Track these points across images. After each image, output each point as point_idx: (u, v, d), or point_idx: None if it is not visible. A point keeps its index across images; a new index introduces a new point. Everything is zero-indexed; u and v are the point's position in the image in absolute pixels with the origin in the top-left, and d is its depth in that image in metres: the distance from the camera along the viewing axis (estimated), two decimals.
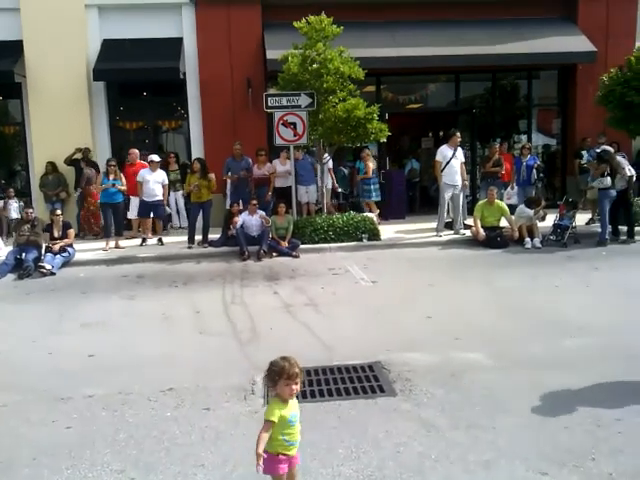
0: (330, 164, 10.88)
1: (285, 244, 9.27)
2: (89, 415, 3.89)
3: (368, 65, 10.09)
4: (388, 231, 10.41)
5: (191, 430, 3.62)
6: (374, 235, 9.80)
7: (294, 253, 9.12)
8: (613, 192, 9.17)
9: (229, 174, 10.76)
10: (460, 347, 4.86)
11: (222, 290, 7.20)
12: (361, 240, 9.66)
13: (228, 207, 10.33)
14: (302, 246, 9.33)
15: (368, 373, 4.39)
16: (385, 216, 11.82)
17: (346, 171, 12.54)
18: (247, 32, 11.73)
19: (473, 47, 11.60)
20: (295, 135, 9.97)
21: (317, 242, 9.55)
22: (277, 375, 2.67)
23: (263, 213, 9.61)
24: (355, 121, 9.55)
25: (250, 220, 9.46)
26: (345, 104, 9.64)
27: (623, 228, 9.47)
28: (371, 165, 11.32)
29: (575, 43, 11.99)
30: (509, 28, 12.01)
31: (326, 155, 10.55)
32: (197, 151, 11.84)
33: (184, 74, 11.71)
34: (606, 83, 10.37)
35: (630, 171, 9.45)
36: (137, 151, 10.96)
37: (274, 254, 9.19)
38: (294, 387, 2.67)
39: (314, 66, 9.61)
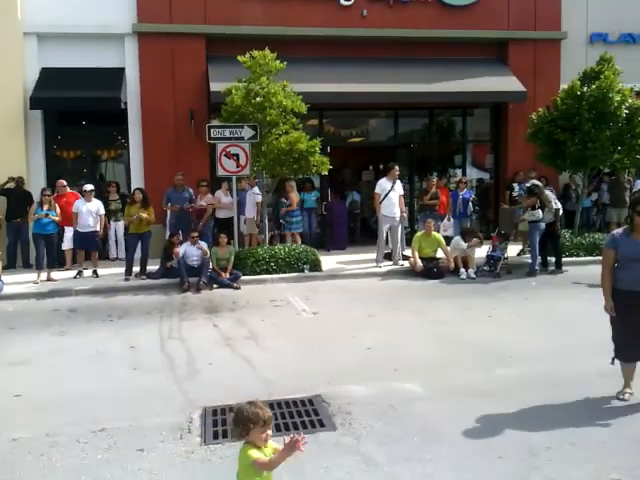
0: (258, 197, 10.88)
1: (226, 275, 9.18)
2: (13, 461, 3.67)
3: (311, 100, 10.29)
4: (329, 262, 10.51)
5: (124, 473, 3.49)
6: (316, 266, 9.87)
7: (235, 284, 9.04)
8: (542, 225, 9.66)
9: (169, 205, 10.63)
10: (398, 378, 4.94)
11: (159, 324, 7.03)
12: (303, 271, 9.70)
13: (168, 238, 10.17)
14: (243, 277, 9.27)
15: (308, 407, 4.38)
16: (327, 247, 11.95)
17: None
18: (191, 64, 11.76)
19: (411, 85, 12.06)
20: (238, 166, 10.00)
21: (259, 273, 9.52)
22: (252, 423, 2.51)
23: (204, 244, 9.50)
24: (298, 154, 9.71)
25: (191, 251, 9.33)
26: (288, 137, 9.80)
27: (552, 259, 9.97)
28: (295, 197, 11.39)
29: (506, 83, 12.69)
30: (445, 67, 12.59)
31: (255, 188, 10.73)
32: (137, 181, 11.65)
33: (125, 104, 11.56)
34: (535, 121, 11.00)
35: (557, 204, 10.01)
36: (64, 181, 10.69)
37: (215, 286, 9.07)
38: (269, 432, 2.56)
39: (257, 99, 9.72)
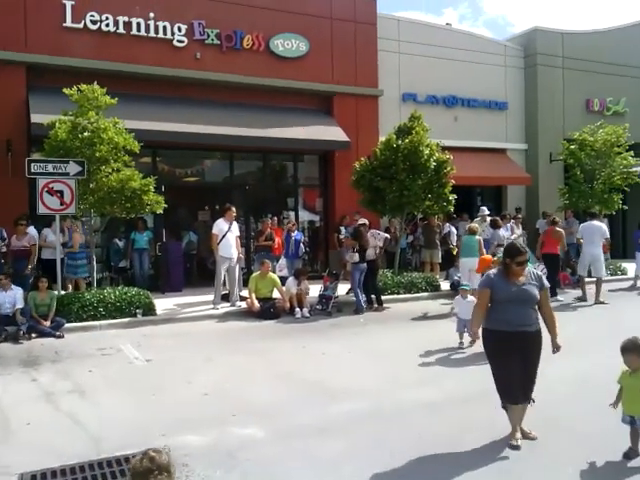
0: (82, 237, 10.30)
1: (47, 323, 8.41)
2: None
3: (145, 137, 10.10)
4: (165, 305, 10.19)
5: None
6: (149, 310, 9.49)
7: (58, 333, 8.31)
8: (362, 265, 10.37)
9: None
10: (236, 423, 4.94)
11: None
12: (135, 316, 9.26)
13: None
14: (68, 325, 8.57)
15: None
16: (162, 289, 11.57)
17: (120, 244, 12.06)
18: (8, 92, 10.87)
19: (245, 129, 12.44)
20: (62, 204, 9.34)
21: (86, 320, 8.87)
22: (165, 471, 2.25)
23: (20, 291, 8.59)
24: (130, 192, 9.38)
25: (4, 297, 8.40)
26: (119, 174, 9.44)
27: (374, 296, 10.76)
28: (78, 237, 10.61)
29: (332, 133, 13.68)
30: (277, 114, 13.21)
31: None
32: None
33: None
34: (358, 170, 11.96)
35: (377, 247, 10.84)
36: None
37: (34, 335, 8.25)
38: None
39: (85, 134, 9.26)
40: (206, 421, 5.00)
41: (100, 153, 9.28)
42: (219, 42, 12.87)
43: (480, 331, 4.51)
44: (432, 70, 15.55)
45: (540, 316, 4.48)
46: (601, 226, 11.55)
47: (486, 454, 4.24)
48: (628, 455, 4.08)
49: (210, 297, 10.39)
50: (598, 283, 11.08)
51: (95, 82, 9.51)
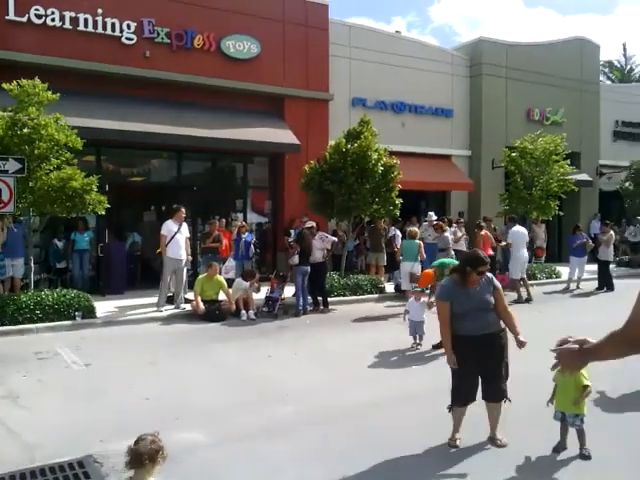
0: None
1: None
2: None
3: (88, 135, 9.82)
4: (106, 307, 9.92)
5: None
6: (90, 312, 9.22)
7: None
8: (304, 268, 10.39)
9: None
10: (179, 427, 4.87)
11: None
12: (74, 318, 8.98)
13: None
14: (2, 328, 8.26)
15: (78, 470, 4.06)
16: (102, 291, 11.26)
17: (60, 244, 11.67)
18: None
19: (194, 129, 12.28)
20: (0, 202, 8.95)
21: (21, 323, 8.54)
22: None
23: None
24: (71, 191, 9.10)
25: None
26: (60, 173, 9.16)
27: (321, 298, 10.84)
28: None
29: (282, 135, 13.69)
30: (227, 115, 13.11)
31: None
32: None
33: None
34: (307, 173, 12.03)
35: (324, 251, 10.92)
36: None
37: None
38: None
39: (25, 130, 8.93)
40: (147, 426, 4.83)
41: (39, 150, 8.96)
42: (169, 41, 12.67)
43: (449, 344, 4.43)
44: (381, 76, 15.81)
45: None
46: (525, 231, 12.39)
47: (431, 452, 4.36)
48: (557, 449, 4.29)
49: (154, 299, 10.20)
50: (525, 282, 11.88)
51: (37, 77, 9.18)
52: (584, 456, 4.18)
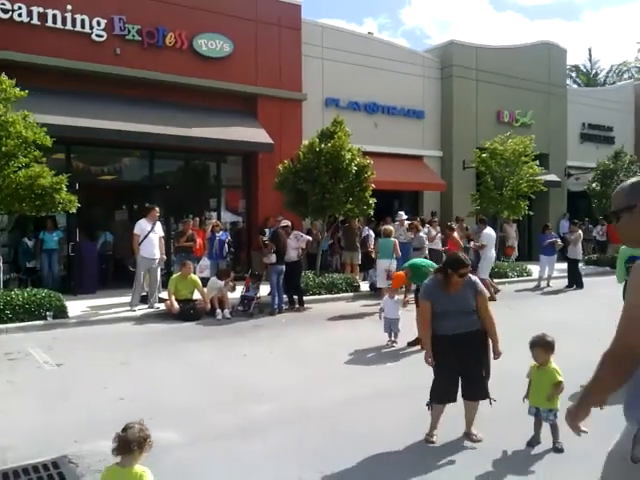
0: None
1: None
2: None
3: (58, 133, 9.67)
4: (78, 307, 9.77)
5: None
6: (61, 312, 9.07)
7: None
8: (280, 267, 10.40)
9: None
10: (153, 427, 4.73)
11: None
12: (46, 318, 8.82)
13: None
14: None
15: (52, 471, 4.00)
16: (74, 291, 11.08)
17: (30, 243, 11.44)
18: None
19: (166, 127, 12.17)
20: None
21: None
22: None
23: None
24: (40, 189, 8.94)
25: None
26: (28, 171, 8.97)
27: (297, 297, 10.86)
28: None
29: (256, 135, 13.66)
30: (200, 114, 13.02)
31: None
32: None
33: None
34: (281, 172, 12.04)
35: (298, 250, 10.94)
36: None
37: None
38: None
39: None
40: (121, 426, 4.83)
41: (7, 147, 8.77)
42: (140, 38, 12.53)
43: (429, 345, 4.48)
44: (354, 77, 15.92)
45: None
46: (494, 233, 12.76)
47: (407, 449, 4.40)
48: (531, 443, 4.40)
49: (127, 299, 10.08)
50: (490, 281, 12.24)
51: (3, 73, 8.99)
52: (557, 449, 4.29)
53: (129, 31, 12.40)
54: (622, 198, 2.15)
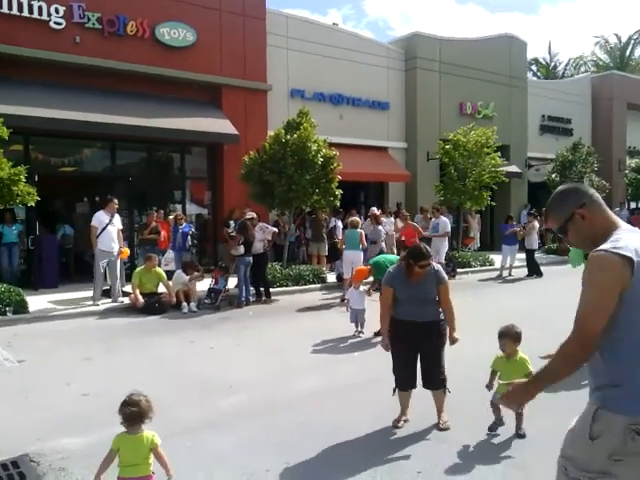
0: None
1: None
2: None
3: (15, 123, 9.41)
4: (39, 302, 9.55)
5: None
6: (21, 307, 8.86)
7: None
8: (247, 259, 10.35)
9: None
10: (118, 423, 4.77)
11: None
12: (5, 314, 8.60)
13: None
14: None
15: (12, 471, 3.91)
16: (34, 286, 10.81)
17: None
18: None
19: (128, 117, 11.93)
20: None
21: None
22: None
23: None
24: None
25: None
26: None
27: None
28: None
29: (220, 125, 13.52)
30: (163, 104, 12.81)
31: None
32: None
33: None
34: (247, 163, 11.95)
35: (264, 241, 10.90)
36: None
37: None
38: None
39: None
40: (85, 422, 4.80)
41: None
42: (101, 27, 12.21)
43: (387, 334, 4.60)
44: (319, 68, 15.89)
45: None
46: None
47: (377, 437, 4.46)
48: (493, 428, 4.50)
49: (89, 293, 9.90)
50: None
51: None
52: (520, 435, 4.41)
53: (89, 19, 12.06)
54: (559, 214, 2.28)
